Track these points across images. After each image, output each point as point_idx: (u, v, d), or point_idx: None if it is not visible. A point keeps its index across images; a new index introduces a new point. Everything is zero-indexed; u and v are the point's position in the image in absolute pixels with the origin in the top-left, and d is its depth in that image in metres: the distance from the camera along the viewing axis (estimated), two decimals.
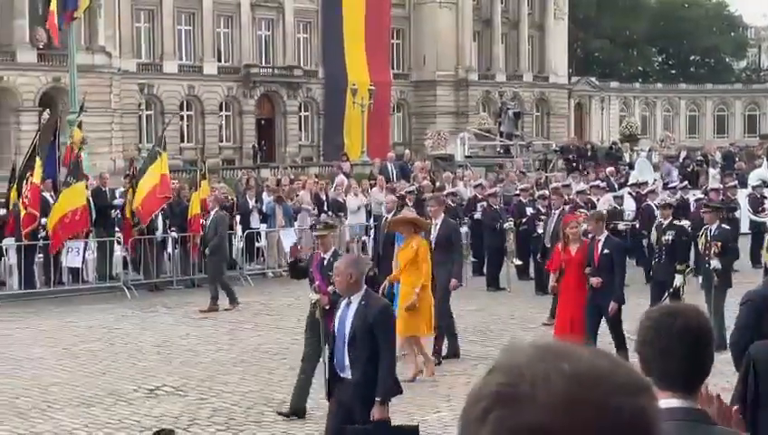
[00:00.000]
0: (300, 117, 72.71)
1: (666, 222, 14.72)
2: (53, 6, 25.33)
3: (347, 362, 7.74)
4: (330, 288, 10.25)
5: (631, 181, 26.15)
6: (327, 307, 10.27)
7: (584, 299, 12.20)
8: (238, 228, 21.80)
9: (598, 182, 24.87)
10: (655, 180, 27.19)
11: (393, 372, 7.82)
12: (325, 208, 23.41)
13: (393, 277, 12.71)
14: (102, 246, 20.03)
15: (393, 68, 74.92)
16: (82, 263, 19.68)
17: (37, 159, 18.95)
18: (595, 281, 12.05)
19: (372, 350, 7.60)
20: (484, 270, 20.79)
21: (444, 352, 13.26)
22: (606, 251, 12.10)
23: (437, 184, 25.58)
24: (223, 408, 11.09)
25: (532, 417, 1.33)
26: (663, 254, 14.38)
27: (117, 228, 20.57)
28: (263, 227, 22.49)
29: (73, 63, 28.01)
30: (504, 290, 19.49)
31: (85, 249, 19.63)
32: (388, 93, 70.87)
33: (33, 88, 57.88)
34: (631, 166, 34.27)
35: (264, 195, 23.19)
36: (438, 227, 13.46)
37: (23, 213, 18.59)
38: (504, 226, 19.97)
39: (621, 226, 20.04)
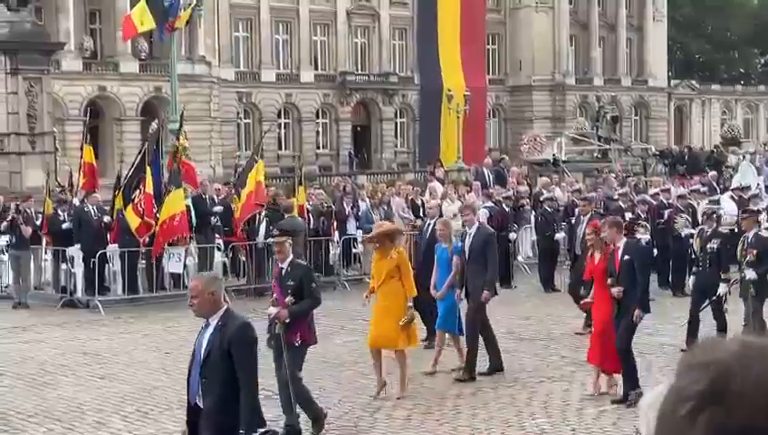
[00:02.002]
0: (396, 123, 72.96)
1: (710, 230, 14.35)
2: (141, 20, 25.88)
3: (200, 389, 6.96)
4: (288, 299, 9.97)
5: (734, 185, 25.66)
6: (287, 320, 9.97)
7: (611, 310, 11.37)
8: (335, 234, 21.98)
9: (698, 186, 24.45)
10: (758, 185, 26.63)
11: (255, 400, 7.00)
12: (420, 214, 23.45)
13: (369, 291, 12.23)
14: (203, 252, 20.37)
15: (489, 73, 74.63)
16: (183, 269, 20.05)
17: (148, 168, 19.35)
18: (615, 291, 11.14)
19: (228, 375, 6.79)
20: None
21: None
22: (626, 257, 11.21)
23: (534, 189, 25.44)
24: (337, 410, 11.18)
25: (746, 417, 1.28)
26: (707, 262, 13.99)
27: (217, 235, 20.93)
28: (359, 232, 22.62)
29: (174, 73, 28.48)
30: None
31: (186, 255, 20.00)
32: (483, 99, 70.59)
33: (135, 98, 59.14)
34: (735, 170, 33.60)
35: (360, 201, 23.38)
36: (472, 235, 13.02)
37: (137, 222, 18.99)
38: None
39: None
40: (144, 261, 19.58)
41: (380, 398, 11.59)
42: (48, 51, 29.00)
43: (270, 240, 20.46)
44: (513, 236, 21.67)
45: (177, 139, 20.85)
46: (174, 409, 11.32)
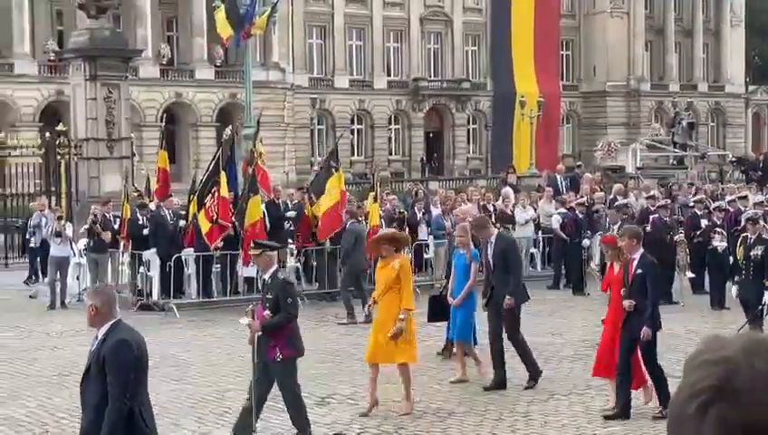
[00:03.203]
0: (468, 130, 72.83)
1: (753, 237, 14.01)
2: (222, 29, 26.27)
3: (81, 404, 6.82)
4: (265, 313, 9.71)
5: None
6: (259, 333, 9.71)
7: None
8: None
9: None
10: None
11: (116, 419, 6.60)
12: (492, 220, 23.36)
13: (372, 300, 11.72)
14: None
15: (562, 79, 74.16)
16: (257, 273, 20.22)
17: (222, 172, 19.55)
18: (627, 304, 10.74)
19: (102, 391, 6.61)
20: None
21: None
22: (639, 271, 10.78)
23: (610, 196, 25.19)
24: (392, 416, 11.20)
25: (753, 411, 1.33)
26: (750, 270, 13.63)
27: (290, 240, 21.08)
28: (430, 238, 22.63)
29: (249, 80, 28.80)
30: (677, 304, 19.00)
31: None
32: (557, 105, 70.20)
33: (210, 104, 59.86)
34: None
35: (432, 207, 23.37)
36: (493, 243, 12.51)
37: (208, 226, 19.20)
38: (676, 238, 19.52)
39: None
40: (219, 265, 19.79)
41: (395, 414, 11.21)
42: (126, 58, 29.45)
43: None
44: (586, 242, 21.48)
45: (254, 144, 21.06)
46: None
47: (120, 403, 6.59)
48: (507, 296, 12.23)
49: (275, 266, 10.13)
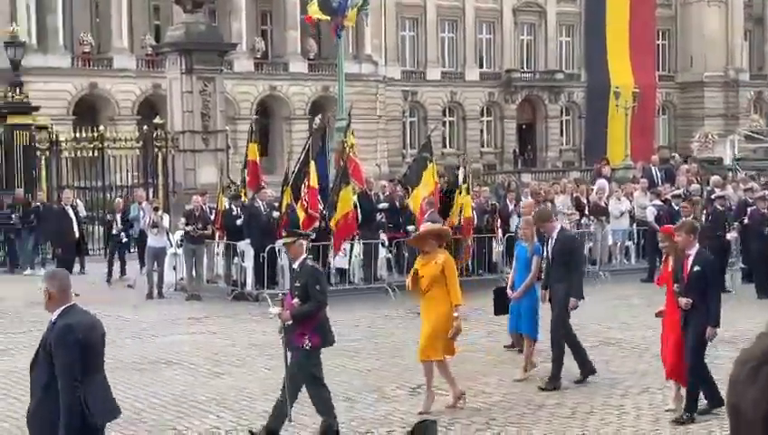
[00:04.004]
0: (561, 121, 72.25)
1: None
2: (312, 12, 26.57)
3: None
4: (294, 301, 9.63)
5: None
6: (289, 322, 9.63)
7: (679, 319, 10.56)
8: (499, 232, 21.96)
9: None
10: None
11: (71, 403, 6.66)
12: (586, 213, 23.18)
13: (421, 293, 11.09)
14: (368, 248, 20.63)
15: (658, 69, 73.05)
16: (349, 264, 20.39)
17: (311, 163, 19.73)
18: (683, 302, 10.31)
19: (48, 376, 6.65)
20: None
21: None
22: (696, 268, 10.34)
23: (707, 188, 24.78)
24: (483, 408, 11.20)
25: None
26: None
27: (381, 231, 21.17)
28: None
29: (341, 73, 29.01)
30: None
31: (351, 251, 20.32)
32: (653, 96, 69.15)
33: (304, 97, 60.37)
34: None
35: (524, 198, 23.22)
36: (555, 239, 12.24)
37: (303, 216, 19.41)
38: None
39: None
40: (311, 256, 19.95)
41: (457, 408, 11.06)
42: (221, 51, 29.88)
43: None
44: None
45: (345, 136, 21.19)
46: (339, 400, 11.53)
47: (70, 387, 6.65)
48: (572, 298, 12.06)
49: (305, 255, 10.03)
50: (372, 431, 10.36)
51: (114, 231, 22.69)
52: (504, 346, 14.38)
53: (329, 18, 27.74)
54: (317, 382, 9.84)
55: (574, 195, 23.91)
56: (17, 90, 27.83)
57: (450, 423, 10.61)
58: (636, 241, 23.71)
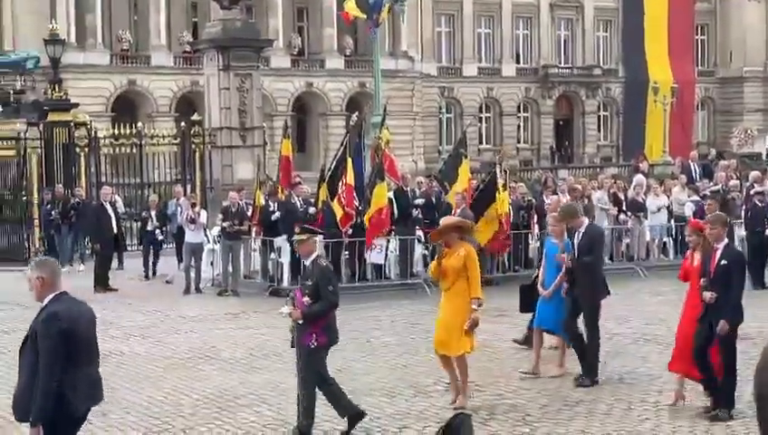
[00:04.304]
0: (599, 117, 71.89)
1: None
2: (351, 8, 26.62)
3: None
4: (304, 299, 9.55)
5: None
6: (300, 322, 9.58)
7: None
8: (535, 228, 21.88)
9: None
10: None
11: (48, 389, 6.72)
12: (623, 208, 23.04)
13: (445, 287, 11.00)
14: (403, 244, 20.64)
15: (697, 65, 72.45)
16: (385, 260, 20.40)
17: (348, 159, 19.76)
18: (707, 296, 10.17)
19: (33, 363, 6.72)
20: None
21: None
22: (723, 262, 10.21)
23: (746, 183, 24.54)
24: (519, 404, 11.18)
25: None
26: None
27: (417, 227, 21.16)
28: None
29: (378, 69, 29.12)
30: None
31: (387, 247, 20.34)
32: (691, 91, 68.65)
33: (340, 93, 60.49)
34: None
35: (561, 194, 23.12)
36: (582, 233, 12.09)
37: (341, 212, 19.45)
38: None
39: None
40: (347, 252, 19.99)
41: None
42: (258, 48, 29.98)
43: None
44: None
45: (380, 132, 21.20)
46: (376, 395, 11.57)
47: (49, 373, 6.71)
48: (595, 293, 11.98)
49: (317, 253, 9.95)
50: (409, 426, 10.38)
51: (149, 227, 22.83)
52: (513, 340, 14.22)
53: (365, 16, 27.83)
54: (318, 381, 9.87)
55: (611, 191, 23.77)
56: (57, 87, 28.07)
57: (487, 419, 10.61)
58: (674, 237, 23.53)
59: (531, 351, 12.90)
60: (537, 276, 13.43)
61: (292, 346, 9.98)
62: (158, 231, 22.79)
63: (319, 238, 10.44)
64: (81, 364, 7.00)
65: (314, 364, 9.80)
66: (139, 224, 23.71)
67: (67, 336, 6.82)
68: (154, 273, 22.85)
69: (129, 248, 25.13)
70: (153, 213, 22.86)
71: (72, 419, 7.02)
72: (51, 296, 6.99)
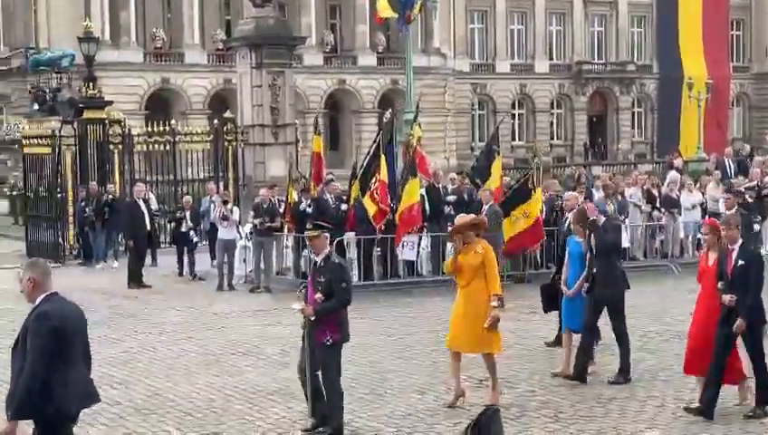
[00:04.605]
0: (633, 113, 71.52)
1: None
2: (382, 9, 26.63)
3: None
4: (317, 296, 9.49)
5: None
6: (312, 318, 9.51)
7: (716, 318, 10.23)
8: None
9: None
10: None
11: (31, 387, 6.79)
12: (657, 205, 22.90)
13: (462, 285, 10.93)
14: (435, 240, 20.62)
15: (732, 60, 71.86)
16: (417, 257, 20.39)
17: (382, 156, 19.75)
18: (727, 299, 10.01)
19: (24, 362, 6.84)
20: None
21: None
22: (740, 262, 10.06)
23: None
24: (552, 401, 11.15)
25: None
26: None
27: (449, 224, 21.10)
28: None
29: (410, 66, 29.08)
30: None
31: (419, 244, 20.33)
32: (726, 87, 68.09)
33: (372, 91, 60.53)
34: None
35: (594, 191, 23.01)
36: (600, 230, 11.97)
37: (374, 209, 19.45)
38: None
39: None
40: (379, 248, 20.00)
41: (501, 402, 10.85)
42: (291, 45, 30.05)
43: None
44: (756, 227, 20.77)
45: (412, 129, 21.19)
46: (408, 392, 11.58)
47: (34, 370, 6.78)
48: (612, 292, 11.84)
49: (328, 249, 9.86)
50: (441, 423, 10.38)
51: (183, 229, 22.64)
52: (545, 343, 14.13)
53: (396, 15, 27.81)
54: (337, 375, 9.82)
55: (645, 187, 23.63)
56: (91, 85, 28.27)
57: (518, 415, 10.59)
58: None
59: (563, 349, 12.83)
60: (555, 275, 13.35)
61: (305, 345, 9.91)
62: (192, 232, 22.57)
63: (328, 235, 10.19)
64: (73, 363, 7.07)
65: (334, 360, 9.75)
66: (173, 225, 23.67)
67: (57, 334, 6.89)
68: (192, 274, 22.64)
69: (162, 245, 25.26)
70: (188, 214, 22.78)
71: (64, 417, 7.05)
72: (42, 297, 7.07)
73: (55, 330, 6.89)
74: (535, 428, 10.17)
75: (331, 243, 19.22)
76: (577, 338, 12.57)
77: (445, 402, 11.09)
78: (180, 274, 22.76)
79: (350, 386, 12.03)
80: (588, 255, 12.10)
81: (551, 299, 13.41)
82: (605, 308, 12.08)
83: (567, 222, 13.89)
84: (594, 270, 11.97)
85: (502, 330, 11.15)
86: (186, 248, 22.69)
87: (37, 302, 7.07)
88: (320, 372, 9.80)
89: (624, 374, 11.91)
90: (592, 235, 12.06)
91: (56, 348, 6.87)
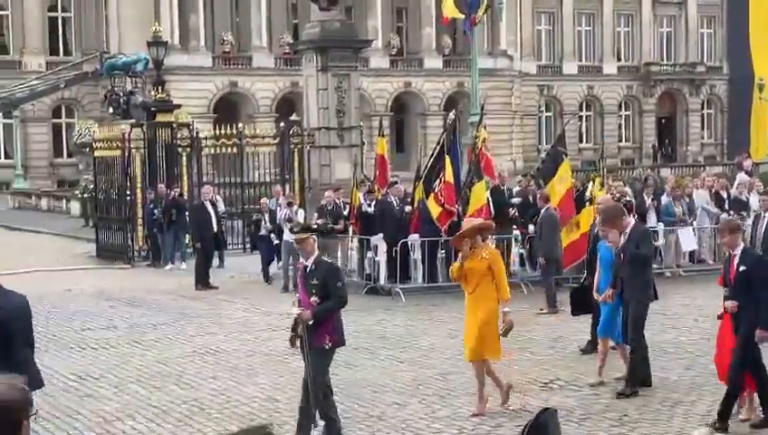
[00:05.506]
0: (702, 115, 70.64)
1: None
2: (448, 10, 26.61)
3: None
4: (312, 299, 9.35)
5: None
6: (310, 322, 9.32)
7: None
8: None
9: None
10: None
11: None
12: (726, 207, 22.58)
13: (469, 291, 10.83)
14: (500, 242, 20.52)
15: None
16: None
17: (447, 157, 19.72)
18: (730, 305, 9.81)
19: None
20: None
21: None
22: (742, 268, 9.79)
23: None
24: (617, 404, 11.06)
25: None
26: None
27: (514, 226, 21.04)
28: (660, 226, 22.05)
29: (475, 68, 29.07)
30: None
31: None
32: None
33: (438, 93, 60.56)
34: None
35: (664, 195, 22.81)
36: (628, 234, 11.50)
37: (438, 211, 19.43)
38: None
39: None
40: (444, 250, 19.97)
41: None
42: (356, 48, 30.13)
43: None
44: None
45: (477, 131, 21.14)
46: (471, 394, 11.56)
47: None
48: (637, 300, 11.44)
49: (317, 252, 9.72)
50: (503, 425, 10.35)
51: (263, 232, 22.49)
52: (580, 348, 13.88)
53: (462, 15, 27.80)
54: (324, 382, 9.74)
55: (714, 189, 23.32)
56: (160, 89, 28.65)
57: (582, 418, 10.53)
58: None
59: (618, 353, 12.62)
60: (585, 280, 13.19)
61: (293, 346, 9.94)
62: (272, 235, 22.10)
63: (316, 238, 10.03)
64: (18, 348, 7.25)
65: (326, 363, 9.67)
66: (252, 227, 23.65)
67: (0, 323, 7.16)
68: (266, 276, 22.26)
69: (229, 247, 25.49)
70: (266, 216, 22.48)
71: None
72: None
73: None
74: (601, 431, 10.10)
75: (395, 244, 19.40)
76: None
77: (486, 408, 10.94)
78: (266, 279, 22.08)
79: (415, 387, 12.08)
80: (616, 259, 11.77)
81: (580, 303, 13.25)
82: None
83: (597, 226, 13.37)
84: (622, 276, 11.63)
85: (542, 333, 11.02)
86: (267, 251, 22.34)
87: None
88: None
89: (630, 385, 11.49)
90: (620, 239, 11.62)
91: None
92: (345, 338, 9.92)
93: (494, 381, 11.00)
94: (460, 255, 11.08)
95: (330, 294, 9.44)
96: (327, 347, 9.57)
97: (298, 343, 9.73)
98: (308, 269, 9.55)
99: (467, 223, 11.77)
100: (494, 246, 20.25)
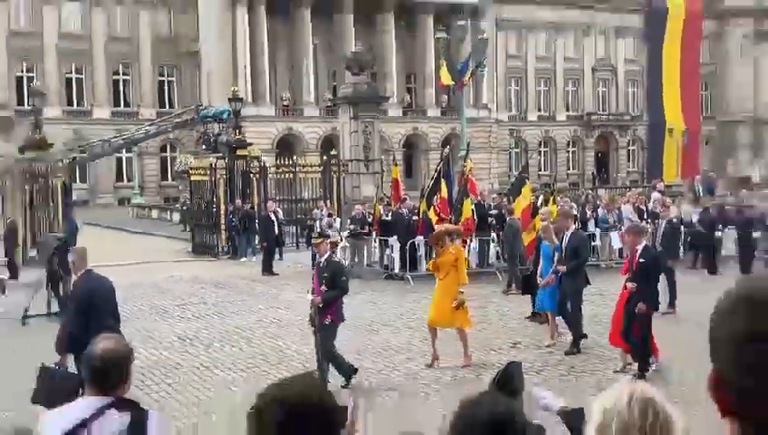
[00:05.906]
0: (628, 150, 70.30)
1: None
2: (444, 78, 26.55)
3: None
4: (322, 288, 9.40)
5: None
6: (320, 305, 9.42)
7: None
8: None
9: None
10: None
11: (64, 336, 7.13)
12: (645, 217, 22.46)
13: (440, 278, 10.84)
14: (482, 243, 20.52)
15: (702, 112, 70.13)
16: (468, 254, 20.24)
17: (442, 180, 19.71)
18: (630, 286, 9.93)
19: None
20: None
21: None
22: (642, 260, 9.90)
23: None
24: (566, 359, 11.02)
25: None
26: None
27: (492, 231, 20.97)
28: (597, 230, 21.98)
29: (463, 117, 29.01)
30: None
31: (470, 243, 20.22)
32: (698, 131, 66.28)
33: (437, 135, 60.41)
34: None
35: (600, 208, 22.72)
36: (568, 237, 11.40)
37: (435, 218, 19.41)
38: None
39: None
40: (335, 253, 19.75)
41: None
42: (378, 103, 30.14)
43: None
44: (718, 234, 20.19)
45: (465, 162, 21.12)
46: (459, 352, 11.52)
47: (68, 328, 7.19)
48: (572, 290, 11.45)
49: (329, 252, 9.83)
50: (482, 375, 10.34)
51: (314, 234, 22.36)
52: (526, 317, 13.80)
53: (454, 82, 27.67)
54: (332, 350, 9.73)
55: (636, 204, 23.22)
56: (238, 131, 28.75)
57: (540, 369, 10.47)
58: (682, 239, 22.75)
59: (547, 325, 12.44)
60: (532, 269, 13.26)
61: (312, 325, 9.88)
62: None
63: (329, 241, 10.33)
64: (105, 319, 7.26)
65: (331, 337, 9.69)
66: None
67: (88, 298, 7.33)
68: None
69: (286, 245, 25.51)
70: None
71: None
72: (82, 272, 7.55)
73: (87, 297, 7.40)
74: (554, 379, 10.07)
75: (406, 244, 19.30)
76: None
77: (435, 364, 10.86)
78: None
79: (421, 349, 12.02)
80: (557, 254, 11.72)
81: (528, 285, 13.40)
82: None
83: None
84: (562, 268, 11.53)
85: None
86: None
87: (79, 275, 7.62)
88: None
89: (575, 345, 11.40)
90: (563, 240, 11.59)
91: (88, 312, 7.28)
92: (344, 318, 9.89)
93: (464, 347, 10.87)
94: (434, 252, 11.19)
95: (335, 285, 9.51)
96: (327, 323, 9.59)
97: (311, 322, 9.82)
98: (321, 264, 9.59)
99: (439, 228, 11.84)
100: (478, 244, 20.41)
